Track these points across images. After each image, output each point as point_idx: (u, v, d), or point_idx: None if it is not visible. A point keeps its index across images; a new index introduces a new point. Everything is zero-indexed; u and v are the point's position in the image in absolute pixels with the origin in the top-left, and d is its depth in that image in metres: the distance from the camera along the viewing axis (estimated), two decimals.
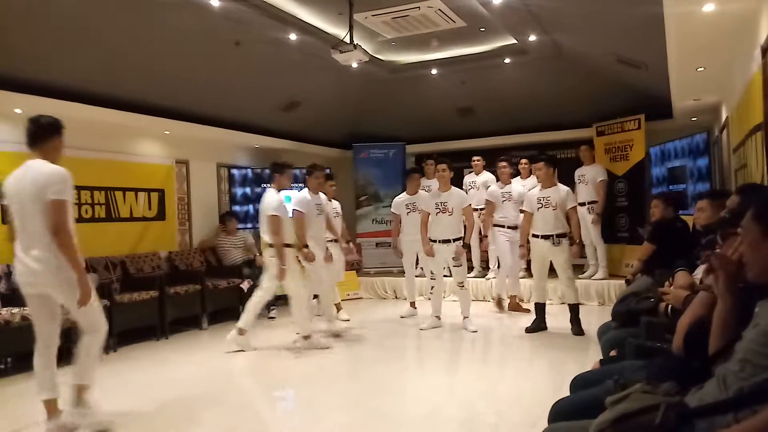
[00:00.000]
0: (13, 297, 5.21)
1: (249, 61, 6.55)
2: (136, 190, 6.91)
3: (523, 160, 7.69)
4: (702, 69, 5.10)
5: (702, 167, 6.48)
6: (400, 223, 6.95)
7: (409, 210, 6.82)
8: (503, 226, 6.91)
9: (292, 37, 6.27)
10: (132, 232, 6.79)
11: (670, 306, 2.78)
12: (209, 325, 6.80)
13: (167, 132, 7.12)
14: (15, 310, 5.01)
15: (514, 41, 7.01)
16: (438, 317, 6.37)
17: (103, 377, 4.87)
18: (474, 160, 7.98)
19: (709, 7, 3.62)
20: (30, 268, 3.38)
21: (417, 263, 7.26)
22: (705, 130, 6.80)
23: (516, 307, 7.03)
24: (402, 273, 8.58)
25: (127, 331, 5.82)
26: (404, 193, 7.02)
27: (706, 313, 1.91)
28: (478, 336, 5.89)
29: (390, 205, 7.63)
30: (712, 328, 1.78)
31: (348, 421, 3.74)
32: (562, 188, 5.92)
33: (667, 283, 3.02)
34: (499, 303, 7.14)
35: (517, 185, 7.12)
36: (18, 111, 5.60)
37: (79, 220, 6.23)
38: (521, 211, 6.18)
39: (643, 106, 7.60)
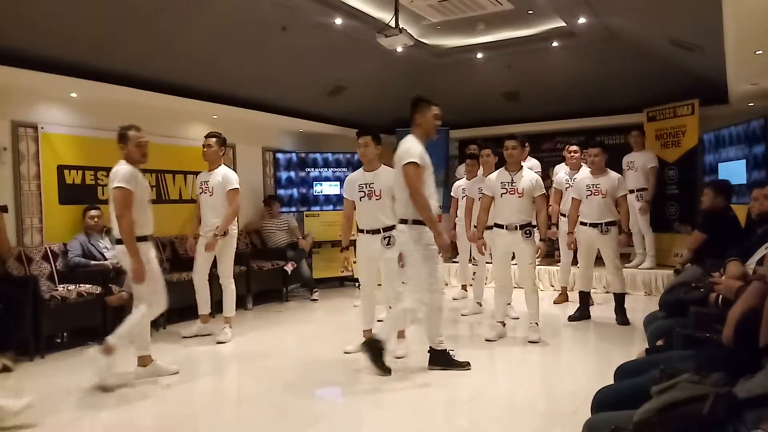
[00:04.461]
0: (69, 274, 5.45)
1: (295, 46, 6.59)
2: (185, 173, 7.05)
3: (572, 148, 7.27)
4: (761, 52, 4.88)
5: (758, 155, 6.24)
6: (458, 207, 6.81)
7: (464, 195, 6.68)
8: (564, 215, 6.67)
9: (338, 21, 6.28)
10: (181, 214, 6.94)
11: (720, 296, 2.71)
12: (254, 305, 6.96)
13: (215, 116, 7.25)
14: (71, 287, 5.20)
15: (563, 24, 6.85)
16: (480, 303, 6.35)
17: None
18: None
19: None
20: None
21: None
22: (762, 116, 6.53)
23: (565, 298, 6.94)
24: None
25: (176, 309, 5.96)
26: (463, 179, 6.89)
27: (758, 304, 1.86)
28: (519, 323, 5.83)
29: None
30: (764, 319, 1.73)
31: (390, 401, 3.78)
32: (614, 175, 5.78)
33: (717, 274, 2.94)
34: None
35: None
36: (73, 95, 5.80)
37: None
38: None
39: (697, 90, 7.33)
